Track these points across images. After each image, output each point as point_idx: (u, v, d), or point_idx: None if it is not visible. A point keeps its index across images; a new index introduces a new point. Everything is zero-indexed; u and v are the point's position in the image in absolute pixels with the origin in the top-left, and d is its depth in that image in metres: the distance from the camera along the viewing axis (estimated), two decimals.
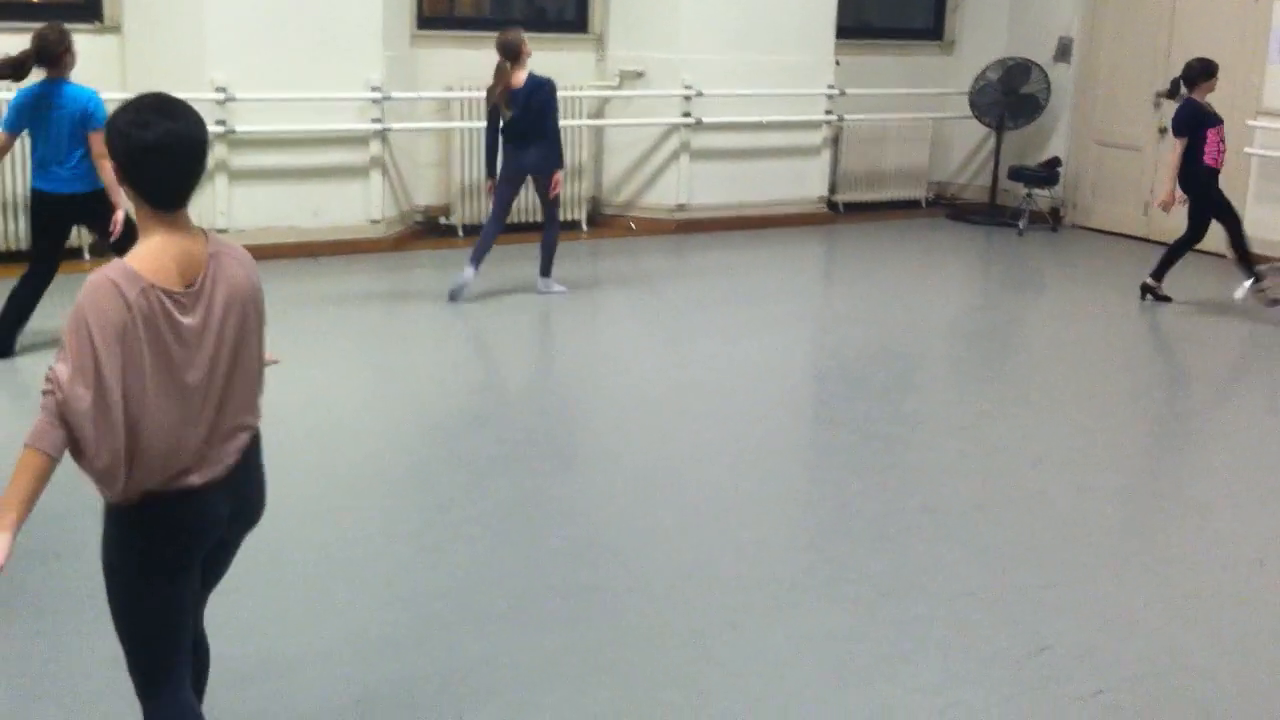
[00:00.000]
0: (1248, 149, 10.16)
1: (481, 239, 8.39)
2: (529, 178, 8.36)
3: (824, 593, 4.53)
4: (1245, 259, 8.83)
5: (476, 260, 8.30)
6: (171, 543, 2.74)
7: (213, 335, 2.71)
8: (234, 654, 3.73)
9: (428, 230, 10.21)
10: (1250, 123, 10.15)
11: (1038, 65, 11.76)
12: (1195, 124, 8.61)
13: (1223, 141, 8.70)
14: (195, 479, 2.72)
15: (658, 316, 8.51)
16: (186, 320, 2.66)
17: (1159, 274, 9.03)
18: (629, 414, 6.48)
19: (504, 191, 8.38)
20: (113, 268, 2.61)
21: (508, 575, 4.53)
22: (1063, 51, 11.91)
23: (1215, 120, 8.64)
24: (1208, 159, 8.62)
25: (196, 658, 3.00)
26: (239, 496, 2.86)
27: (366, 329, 7.93)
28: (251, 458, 2.89)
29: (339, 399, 6.51)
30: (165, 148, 2.61)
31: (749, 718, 3.71)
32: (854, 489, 5.55)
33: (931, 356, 7.98)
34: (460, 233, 10.09)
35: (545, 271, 8.64)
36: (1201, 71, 8.69)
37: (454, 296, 8.27)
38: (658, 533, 5.01)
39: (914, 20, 12.70)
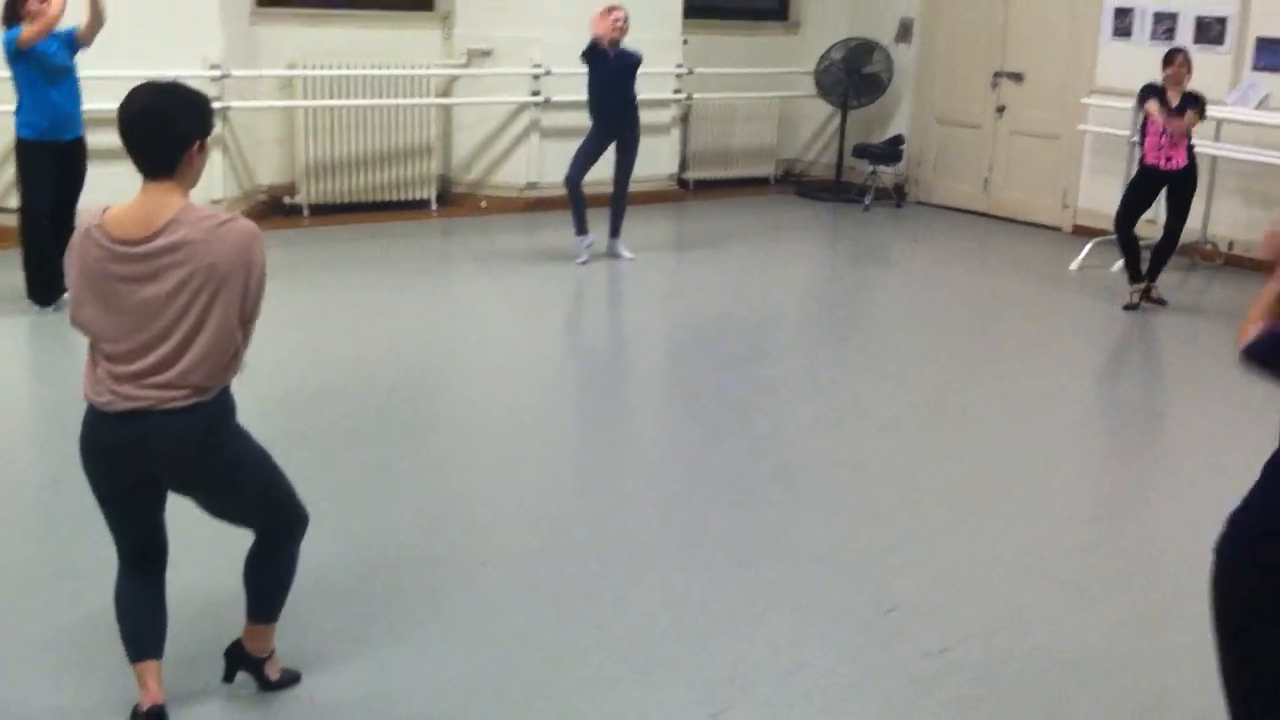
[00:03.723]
0: (1081, 126, 10.49)
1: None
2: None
3: (679, 556, 4.56)
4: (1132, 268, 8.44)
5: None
6: None
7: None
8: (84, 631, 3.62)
9: (271, 209, 9.99)
10: (1084, 100, 10.49)
11: (880, 45, 11.98)
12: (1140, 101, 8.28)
13: (1168, 136, 7.98)
14: None
15: (510, 292, 8.46)
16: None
17: (1152, 274, 8.43)
18: (483, 387, 6.44)
19: None
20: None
21: (359, 550, 4.46)
22: (904, 32, 12.15)
23: (1158, 96, 8.05)
24: (1146, 153, 8.20)
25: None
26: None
27: None
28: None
29: None
30: (120, 125, 3.03)
31: (608, 680, 3.72)
32: (708, 455, 5.60)
33: (782, 327, 8.08)
34: (305, 211, 9.90)
35: (612, 232, 9.18)
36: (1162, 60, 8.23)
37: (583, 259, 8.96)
38: (512, 503, 4.99)
39: (760, 0, 12.82)
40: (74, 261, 3.07)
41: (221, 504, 3.32)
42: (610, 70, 8.77)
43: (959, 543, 4.80)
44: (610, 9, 8.78)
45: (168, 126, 3.03)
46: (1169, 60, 8.15)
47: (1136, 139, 8.61)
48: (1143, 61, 9.47)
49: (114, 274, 3.02)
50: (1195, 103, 8.07)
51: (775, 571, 4.46)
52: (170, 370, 3.04)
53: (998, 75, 11.42)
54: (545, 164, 10.60)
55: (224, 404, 3.19)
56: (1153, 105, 8.06)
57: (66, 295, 6.97)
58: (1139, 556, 4.78)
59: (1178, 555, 4.76)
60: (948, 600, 4.31)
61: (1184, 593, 4.46)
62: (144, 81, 3.08)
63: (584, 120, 9.11)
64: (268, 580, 3.43)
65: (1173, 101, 8.07)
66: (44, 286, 7.03)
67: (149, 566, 3.33)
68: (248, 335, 3.20)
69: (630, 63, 8.85)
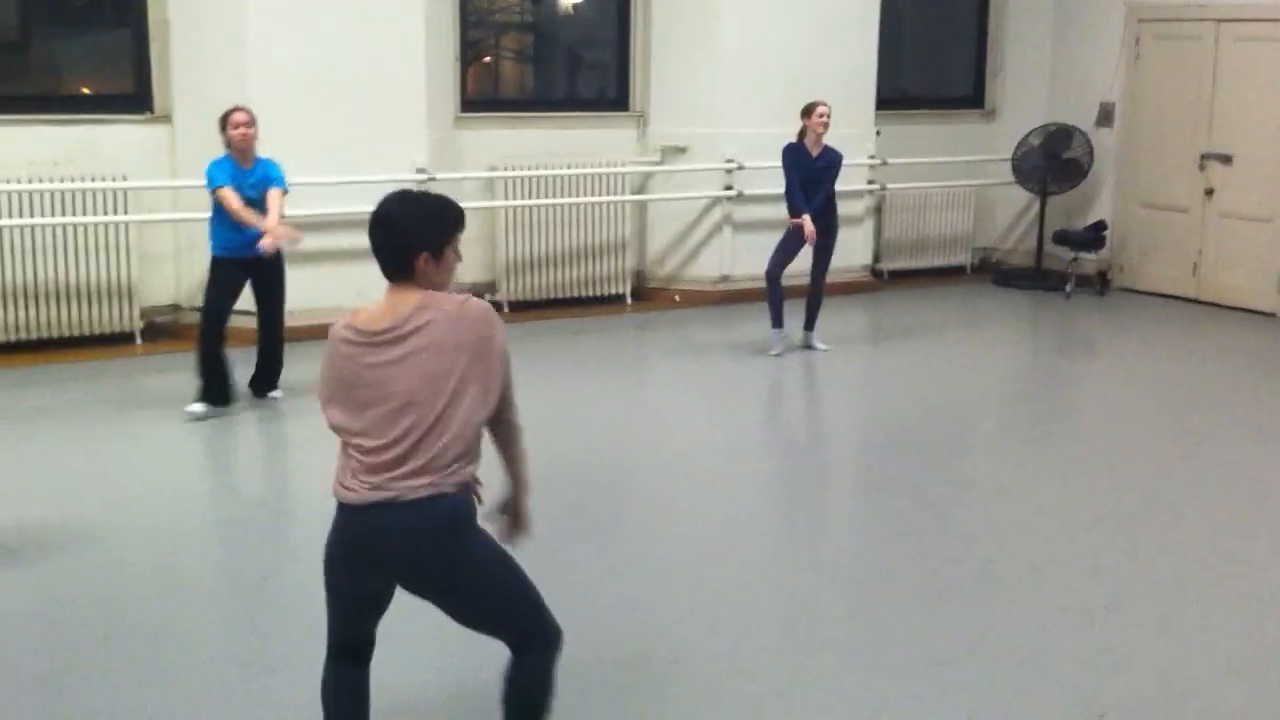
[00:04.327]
0: None
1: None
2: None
3: (875, 659, 4.47)
4: None
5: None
6: None
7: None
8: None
9: None
10: None
11: (1079, 130, 11.74)
12: None
13: None
14: None
15: (703, 385, 8.50)
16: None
17: None
18: (673, 482, 6.45)
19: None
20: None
21: None
22: (1104, 116, 11.89)
23: None
24: None
25: None
26: None
27: None
28: None
29: None
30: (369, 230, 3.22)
31: None
32: (904, 553, 5.48)
33: (981, 419, 7.91)
34: (505, 308, 10.14)
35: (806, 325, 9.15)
36: None
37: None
38: (703, 601, 4.96)
39: (954, 89, 12.75)
40: (325, 361, 3.20)
41: (463, 608, 3.30)
42: (813, 168, 8.83)
43: (1170, 646, 4.58)
44: (814, 105, 8.85)
45: (397, 236, 3.16)
46: None
47: None
48: None
49: (363, 363, 3.12)
50: None
51: (976, 673, 4.33)
52: (419, 457, 3.09)
53: (1205, 157, 11.07)
54: (737, 257, 10.67)
55: (467, 500, 3.22)
56: None
57: (278, 395, 7.30)
58: None
59: None
60: (1160, 706, 4.12)
61: None
62: (398, 189, 3.27)
63: (776, 212, 9.16)
64: (516, 699, 3.31)
65: None
66: (216, 387, 7.27)
67: (353, 659, 3.40)
68: (508, 404, 3.27)
69: (833, 160, 8.90)
